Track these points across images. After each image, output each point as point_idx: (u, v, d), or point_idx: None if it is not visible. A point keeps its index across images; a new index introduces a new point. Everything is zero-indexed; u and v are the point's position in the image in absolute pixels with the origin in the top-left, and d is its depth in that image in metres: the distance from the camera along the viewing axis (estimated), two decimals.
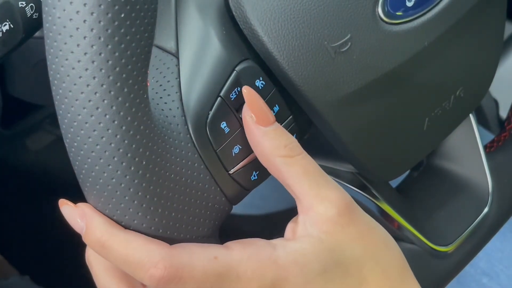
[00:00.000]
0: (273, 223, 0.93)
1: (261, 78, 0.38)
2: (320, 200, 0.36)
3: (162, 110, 0.36)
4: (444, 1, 0.42)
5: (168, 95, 0.36)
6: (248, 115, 0.36)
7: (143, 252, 0.33)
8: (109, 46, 0.30)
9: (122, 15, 0.30)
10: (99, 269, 0.36)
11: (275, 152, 0.36)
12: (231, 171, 0.38)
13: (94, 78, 0.30)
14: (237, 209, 0.42)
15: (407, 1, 0.40)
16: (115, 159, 0.32)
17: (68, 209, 0.34)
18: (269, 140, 0.36)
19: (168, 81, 0.37)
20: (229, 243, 0.35)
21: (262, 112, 0.36)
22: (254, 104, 0.36)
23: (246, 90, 0.36)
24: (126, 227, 0.34)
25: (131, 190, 0.33)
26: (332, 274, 0.35)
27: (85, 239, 0.34)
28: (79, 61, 0.30)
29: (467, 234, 0.52)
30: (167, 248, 0.33)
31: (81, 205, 0.34)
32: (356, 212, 0.37)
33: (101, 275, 0.36)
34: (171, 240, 0.35)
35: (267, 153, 0.36)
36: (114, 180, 0.33)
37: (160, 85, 0.37)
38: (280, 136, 0.36)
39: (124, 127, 0.32)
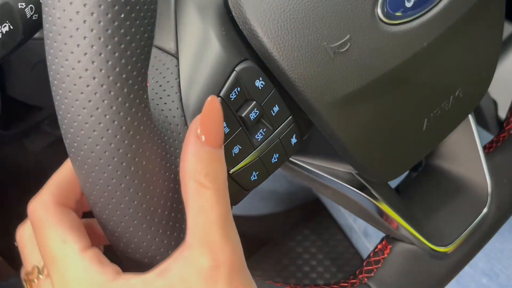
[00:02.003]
0: (272, 224, 0.93)
1: (260, 79, 0.38)
2: (205, 249, 0.32)
3: (162, 110, 0.36)
4: (443, 1, 0.42)
5: (168, 95, 0.36)
6: (195, 126, 0.33)
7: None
8: (109, 47, 0.30)
9: (122, 16, 0.30)
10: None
11: (193, 175, 0.33)
12: (231, 171, 0.38)
13: (94, 78, 0.31)
14: (236, 210, 0.42)
15: (406, 2, 0.40)
16: (115, 159, 0.32)
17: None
18: (196, 162, 0.32)
19: (168, 82, 0.37)
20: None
21: (213, 130, 0.33)
22: (210, 118, 0.33)
23: (210, 99, 0.33)
24: (125, 227, 0.34)
25: (131, 190, 0.33)
26: None
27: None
28: (79, 62, 0.30)
29: (466, 235, 0.52)
30: None
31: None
32: (238, 276, 0.33)
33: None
34: (170, 240, 0.35)
35: (186, 170, 0.33)
36: (114, 180, 0.33)
37: (160, 86, 0.37)
38: (210, 163, 0.33)
39: (124, 128, 0.32)
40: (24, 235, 0.36)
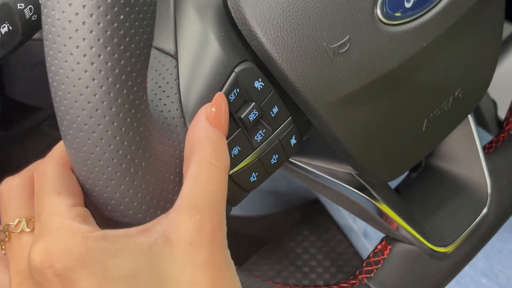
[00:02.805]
0: (272, 224, 0.93)
1: (260, 79, 0.38)
2: (194, 213, 0.32)
3: (161, 111, 0.36)
4: (443, 2, 0.42)
5: (167, 96, 0.36)
6: (206, 108, 0.35)
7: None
8: (108, 48, 0.30)
9: (121, 17, 0.30)
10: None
11: (200, 148, 0.34)
12: (230, 173, 0.38)
13: (93, 79, 0.30)
14: (236, 211, 0.42)
15: (405, 2, 0.40)
16: (115, 160, 0.32)
17: None
18: (205, 137, 0.34)
19: (167, 83, 0.37)
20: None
21: (222, 118, 0.36)
22: (219, 106, 0.36)
23: (219, 94, 0.36)
24: (125, 227, 0.34)
25: (131, 191, 0.33)
26: (139, 280, 0.31)
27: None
28: (78, 63, 0.30)
29: (466, 235, 0.52)
30: None
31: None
32: (220, 251, 0.32)
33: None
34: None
35: (195, 141, 0.34)
36: (113, 181, 0.33)
37: (159, 87, 0.37)
38: (218, 144, 0.35)
39: (123, 129, 0.32)
40: (12, 186, 0.36)
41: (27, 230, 0.34)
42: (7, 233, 0.35)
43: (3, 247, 0.35)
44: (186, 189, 0.33)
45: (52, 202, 0.33)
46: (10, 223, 0.35)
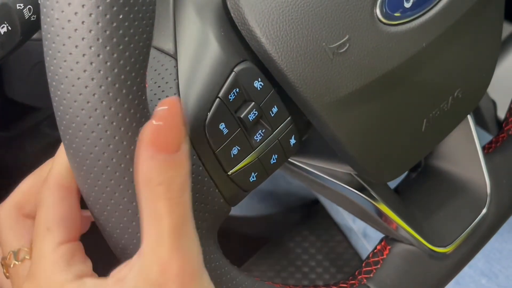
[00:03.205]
0: (271, 224, 0.93)
1: (259, 79, 0.38)
2: (155, 256, 0.32)
3: None
4: (442, 2, 0.42)
5: (167, 96, 0.36)
6: (146, 132, 0.30)
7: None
8: (108, 48, 0.30)
9: (121, 16, 0.30)
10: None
11: (146, 184, 0.31)
12: (230, 172, 0.38)
13: (92, 79, 0.30)
14: (235, 211, 0.42)
15: (405, 2, 0.40)
16: (114, 160, 0.32)
17: None
18: (149, 170, 0.30)
19: (167, 83, 0.37)
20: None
21: (169, 136, 0.30)
22: (166, 123, 0.29)
23: (167, 101, 0.30)
24: (123, 228, 0.34)
25: (130, 192, 0.33)
26: None
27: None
28: (77, 63, 0.30)
29: (466, 235, 0.52)
30: None
31: None
32: (189, 285, 0.32)
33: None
34: None
35: (139, 179, 0.31)
36: (112, 181, 0.33)
37: (159, 87, 0.37)
38: (164, 172, 0.30)
39: (122, 129, 0.32)
40: (1, 216, 0.38)
41: (17, 263, 0.36)
42: (4, 267, 0.37)
43: (7, 274, 0.38)
44: (144, 230, 0.32)
45: (41, 239, 0.35)
46: (4, 255, 0.37)
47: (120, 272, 0.33)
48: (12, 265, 0.37)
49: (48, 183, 0.36)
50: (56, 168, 0.36)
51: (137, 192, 0.31)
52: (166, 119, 0.29)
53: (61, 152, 0.36)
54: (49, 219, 0.35)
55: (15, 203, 0.38)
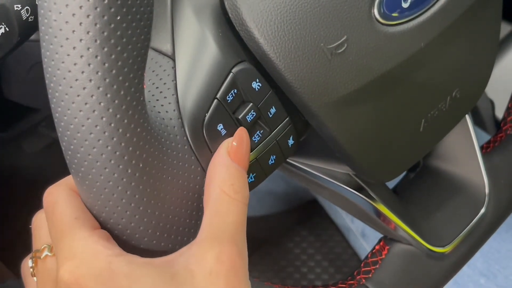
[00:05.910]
0: (270, 225, 0.93)
1: (257, 80, 0.38)
2: (214, 244, 0.33)
3: (159, 112, 0.36)
4: (440, 2, 0.42)
5: (165, 97, 0.36)
6: (227, 143, 0.37)
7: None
8: (106, 49, 0.30)
9: (118, 18, 0.30)
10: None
11: (220, 183, 0.36)
12: None
13: (90, 80, 0.30)
14: None
15: (402, 2, 0.40)
16: (112, 161, 0.32)
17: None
18: (225, 173, 0.36)
19: (165, 84, 0.37)
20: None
21: (242, 152, 0.37)
22: (240, 139, 0.37)
23: (242, 129, 0.38)
24: (123, 229, 0.34)
25: (128, 193, 0.33)
26: None
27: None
28: (75, 64, 0.30)
29: (464, 235, 0.52)
30: None
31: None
32: (239, 280, 0.33)
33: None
34: (168, 242, 0.35)
35: (215, 178, 0.36)
36: (111, 183, 0.33)
37: (157, 88, 0.37)
38: (237, 177, 0.36)
39: (121, 130, 0.32)
40: (40, 218, 0.38)
41: (50, 254, 0.36)
42: (34, 258, 0.37)
43: (34, 273, 0.37)
44: (206, 221, 0.35)
45: (71, 227, 0.34)
46: (37, 249, 0.37)
47: (166, 257, 0.34)
48: (43, 256, 0.36)
49: (62, 183, 0.36)
50: (66, 180, 0.36)
51: (207, 192, 0.36)
52: (240, 138, 0.37)
53: None
54: (74, 210, 0.34)
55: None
